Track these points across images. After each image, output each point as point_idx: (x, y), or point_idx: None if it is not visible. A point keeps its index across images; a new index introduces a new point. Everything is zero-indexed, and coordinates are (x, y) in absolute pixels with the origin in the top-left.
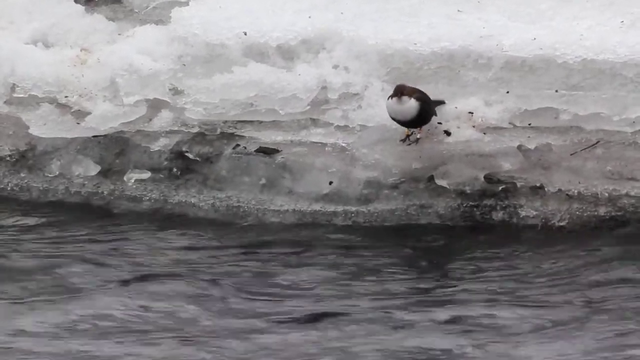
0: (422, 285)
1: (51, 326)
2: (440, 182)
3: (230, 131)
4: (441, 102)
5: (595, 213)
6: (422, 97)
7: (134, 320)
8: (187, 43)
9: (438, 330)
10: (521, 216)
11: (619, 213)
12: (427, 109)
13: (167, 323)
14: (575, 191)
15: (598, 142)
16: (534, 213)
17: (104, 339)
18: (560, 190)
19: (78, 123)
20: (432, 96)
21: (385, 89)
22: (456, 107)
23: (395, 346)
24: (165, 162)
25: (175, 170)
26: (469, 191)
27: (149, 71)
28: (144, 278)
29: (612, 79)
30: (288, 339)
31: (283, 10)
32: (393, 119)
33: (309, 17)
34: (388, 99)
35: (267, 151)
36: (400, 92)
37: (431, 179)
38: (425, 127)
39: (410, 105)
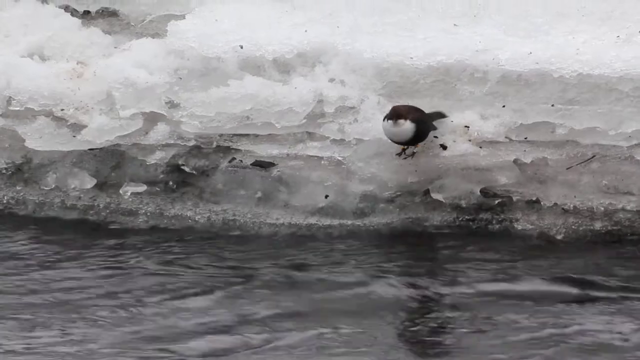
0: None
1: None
2: (436, 196)
3: (226, 144)
4: (442, 115)
5: (591, 227)
6: (417, 118)
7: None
8: (183, 56)
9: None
10: (517, 230)
11: (615, 227)
12: (423, 128)
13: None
14: (571, 205)
15: (594, 156)
16: (530, 227)
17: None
18: (556, 204)
19: (74, 136)
20: (428, 110)
21: (381, 102)
22: (452, 121)
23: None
24: (162, 176)
25: (171, 183)
26: (464, 205)
27: (145, 84)
28: (139, 292)
29: (608, 93)
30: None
31: (279, 24)
32: (390, 139)
33: (305, 30)
34: (384, 120)
35: (263, 164)
36: (397, 115)
37: (427, 192)
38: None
39: (406, 127)
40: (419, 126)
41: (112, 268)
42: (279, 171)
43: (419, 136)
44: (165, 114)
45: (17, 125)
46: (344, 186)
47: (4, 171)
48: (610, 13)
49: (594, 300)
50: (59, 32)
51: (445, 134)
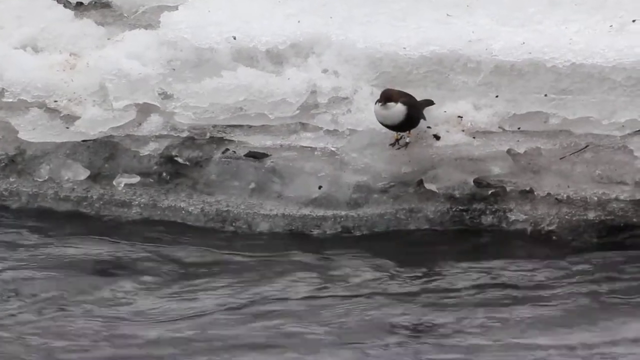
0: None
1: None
2: (430, 186)
3: (219, 135)
4: (430, 103)
5: (585, 217)
6: (409, 101)
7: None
8: (176, 47)
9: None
10: (510, 220)
11: (608, 217)
12: (415, 113)
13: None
14: (565, 195)
15: (587, 146)
16: (524, 217)
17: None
18: (549, 194)
19: (67, 127)
20: (419, 99)
21: (374, 93)
22: (445, 111)
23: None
24: (155, 167)
25: (164, 174)
26: (458, 195)
27: (138, 76)
28: (135, 283)
29: (601, 83)
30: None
31: (272, 15)
32: (381, 123)
33: (298, 21)
34: (375, 103)
35: (256, 155)
36: (387, 97)
37: (420, 183)
38: (414, 131)
39: (398, 109)
40: (410, 110)
41: (107, 260)
42: (272, 162)
43: (410, 121)
44: (158, 105)
45: (10, 117)
46: (337, 177)
47: None
48: (603, 2)
49: None
50: (52, 24)
51: (439, 124)
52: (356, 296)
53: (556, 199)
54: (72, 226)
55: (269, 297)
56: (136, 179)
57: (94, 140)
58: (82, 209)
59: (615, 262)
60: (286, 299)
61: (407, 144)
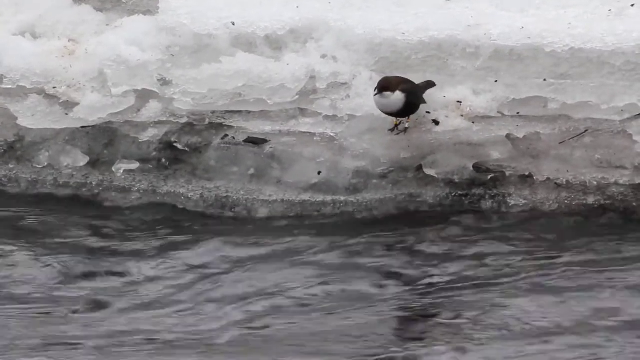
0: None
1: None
2: (429, 171)
3: (218, 121)
4: (431, 84)
5: (584, 202)
6: (408, 88)
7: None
8: (175, 33)
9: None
10: (510, 205)
11: (607, 201)
12: (414, 99)
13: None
14: (564, 180)
15: (586, 130)
16: (523, 202)
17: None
18: (549, 179)
19: (66, 114)
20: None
21: (373, 78)
22: (444, 96)
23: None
24: (154, 153)
25: (164, 160)
26: (457, 180)
27: (137, 62)
28: (135, 271)
29: (600, 67)
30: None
31: (271, 1)
32: (381, 110)
33: (297, 7)
34: (374, 94)
35: (255, 141)
36: (384, 86)
37: (420, 168)
38: (413, 117)
39: (396, 98)
40: (409, 97)
41: (105, 246)
42: (271, 148)
43: (409, 107)
44: (157, 91)
45: (9, 104)
46: (336, 162)
47: None
48: None
49: None
50: (50, 10)
51: (438, 109)
52: None
53: (555, 183)
54: (71, 212)
55: None
56: (135, 165)
57: (93, 127)
58: (82, 195)
59: (615, 246)
60: None
61: (406, 129)
